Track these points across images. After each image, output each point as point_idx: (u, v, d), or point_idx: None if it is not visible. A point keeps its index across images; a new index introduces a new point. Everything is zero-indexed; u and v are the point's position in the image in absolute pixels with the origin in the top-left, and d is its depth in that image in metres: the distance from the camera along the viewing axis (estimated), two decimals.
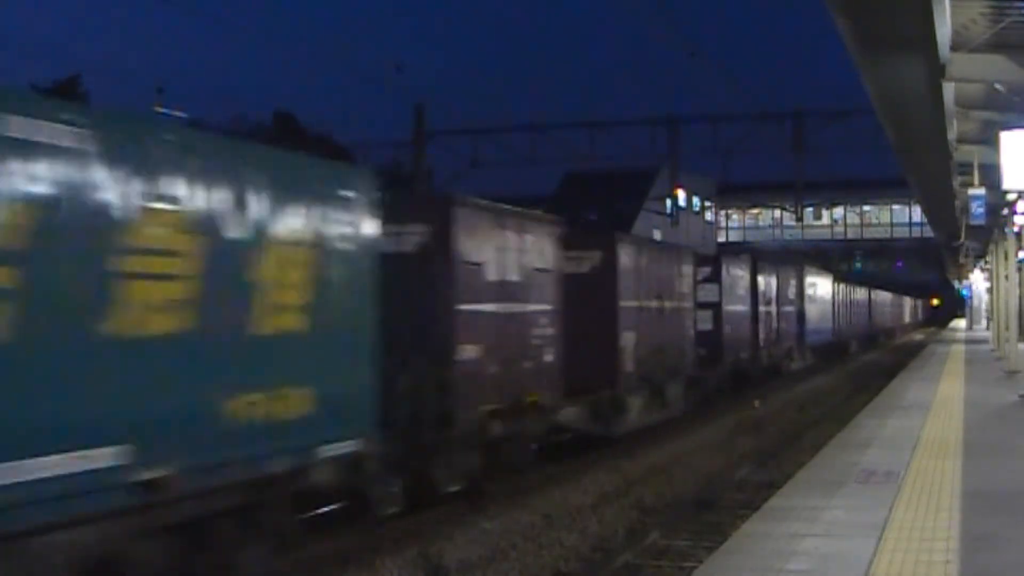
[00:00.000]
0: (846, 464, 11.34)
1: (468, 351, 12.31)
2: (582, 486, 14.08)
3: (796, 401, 26.82)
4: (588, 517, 12.29)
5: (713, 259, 26.43)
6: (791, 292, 34.22)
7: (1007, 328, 28.75)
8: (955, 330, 72.31)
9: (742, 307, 27.09)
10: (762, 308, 29.21)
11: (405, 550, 10.38)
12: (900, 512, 8.70)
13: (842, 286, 47.78)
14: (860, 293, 55.94)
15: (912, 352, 45.14)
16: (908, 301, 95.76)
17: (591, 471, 15.13)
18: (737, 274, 27.08)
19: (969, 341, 47.87)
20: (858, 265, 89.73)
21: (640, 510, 12.79)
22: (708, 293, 24.05)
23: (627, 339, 17.80)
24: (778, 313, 31.81)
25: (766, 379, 29.69)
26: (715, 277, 24.91)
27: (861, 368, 41.17)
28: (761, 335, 29.02)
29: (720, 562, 7.36)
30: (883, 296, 71.16)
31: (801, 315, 35.54)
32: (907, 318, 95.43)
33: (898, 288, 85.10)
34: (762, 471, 15.26)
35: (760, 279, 29.23)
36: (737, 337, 26.31)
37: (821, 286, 40.93)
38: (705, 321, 23.38)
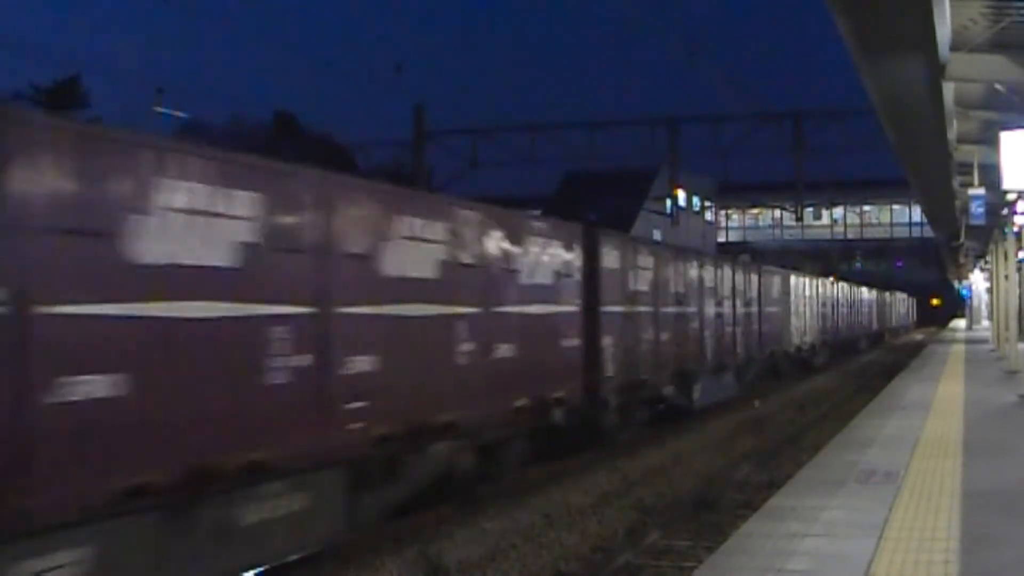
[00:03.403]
0: (846, 464, 11.34)
1: None
2: (582, 486, 14.08)
3: (796, 401, 26.82)
4: (588, 517, 12.29)
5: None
6: (685, 282, 21.38)
7: (1007, 328, 28.76)
8: (955, 330, 72.28)
9: (532, 306, 13.76)
10: (610, 308, 16.57)
11: (405, 550, 10.38)
12: (900, 512, 8.69)
13: (795, 279, 36.05)
14: (821, 290, 41.70)
15: (912, 352, 45.17)
16: (896, 300, 78.97)
17: (591, 471, 15.12)
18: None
19: (969, 341, 47.88)
20: (859, 264, 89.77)
21: (640, 510, 12.78)
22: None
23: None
24: (657, 316, 19.07)
25: (619, 436, 17.32)
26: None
27: (861, 368, 41.18)
28: (609, 355, 16.39)
29: (720, 562, 7.36)
30: (859, 295, 55.71)
31: (715, 318, 23.73)
32: (896, 321, 79.14)
33: (882, 283, 72.78)
34: (762, 471, 15.25)
35: (608, 254, 16.59)
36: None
37: (749, 276, 28.51)
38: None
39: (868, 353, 52.56)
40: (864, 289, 58.82)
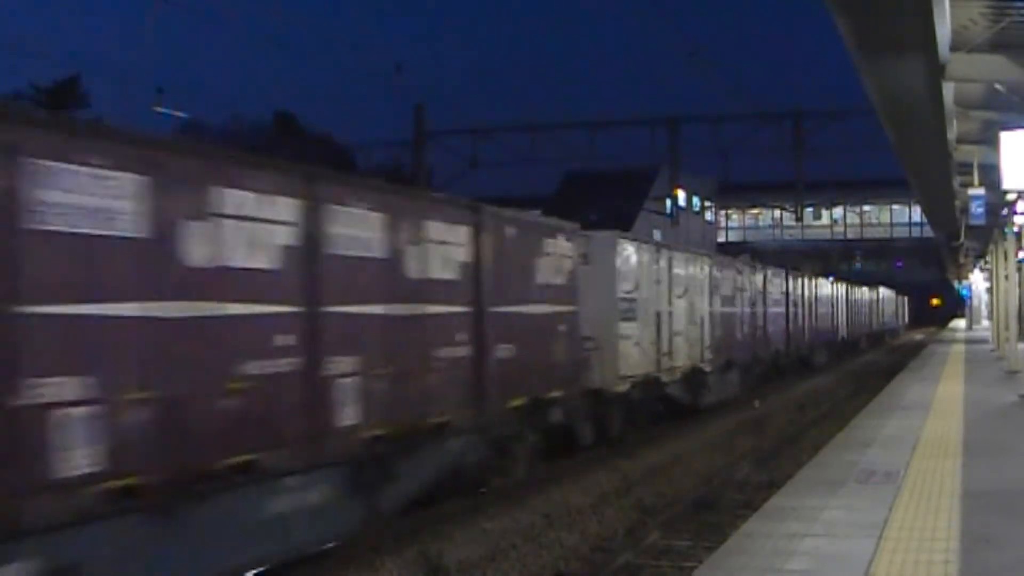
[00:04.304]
0: (846, 464, 11.34)
1: None
2: (582, 486, 14.08)
3: (796, 401, 26.82)
4: (588, 517, 12.29)
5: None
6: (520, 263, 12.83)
7: (1007, 328, 28.75)
8: (955, 330, 72.25)
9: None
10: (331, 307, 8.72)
11: (405, 550, 10.38)
12: (900, 512, 8.70)
13: (654, 254, 19.87)
14: (727, 276, 26.29)
15: (912, 352, 45.17)
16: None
17: (591, 471, 15.12)
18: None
19: (969, 341, 47.85)
20: (858, 264, 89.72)
21: (640, 510, 12.78)
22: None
23: None
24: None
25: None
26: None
27: (861, 369, 41.18)
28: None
29: (720, 562, 7.36)
30: (817, 289, 40.40)
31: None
32: (879, 324, 63.60)
33: (881, 281, 64.81)
34: (762, 471, 15.26)
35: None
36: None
37: (478, 237, 12.37)
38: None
39: (826, 373, 37.56)
40: (824, 282, 43.71)
